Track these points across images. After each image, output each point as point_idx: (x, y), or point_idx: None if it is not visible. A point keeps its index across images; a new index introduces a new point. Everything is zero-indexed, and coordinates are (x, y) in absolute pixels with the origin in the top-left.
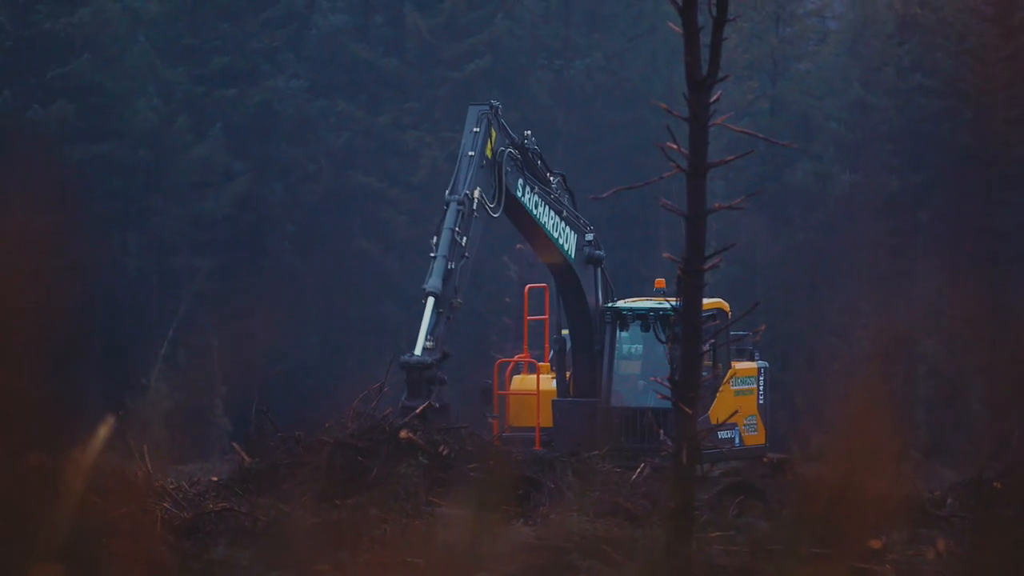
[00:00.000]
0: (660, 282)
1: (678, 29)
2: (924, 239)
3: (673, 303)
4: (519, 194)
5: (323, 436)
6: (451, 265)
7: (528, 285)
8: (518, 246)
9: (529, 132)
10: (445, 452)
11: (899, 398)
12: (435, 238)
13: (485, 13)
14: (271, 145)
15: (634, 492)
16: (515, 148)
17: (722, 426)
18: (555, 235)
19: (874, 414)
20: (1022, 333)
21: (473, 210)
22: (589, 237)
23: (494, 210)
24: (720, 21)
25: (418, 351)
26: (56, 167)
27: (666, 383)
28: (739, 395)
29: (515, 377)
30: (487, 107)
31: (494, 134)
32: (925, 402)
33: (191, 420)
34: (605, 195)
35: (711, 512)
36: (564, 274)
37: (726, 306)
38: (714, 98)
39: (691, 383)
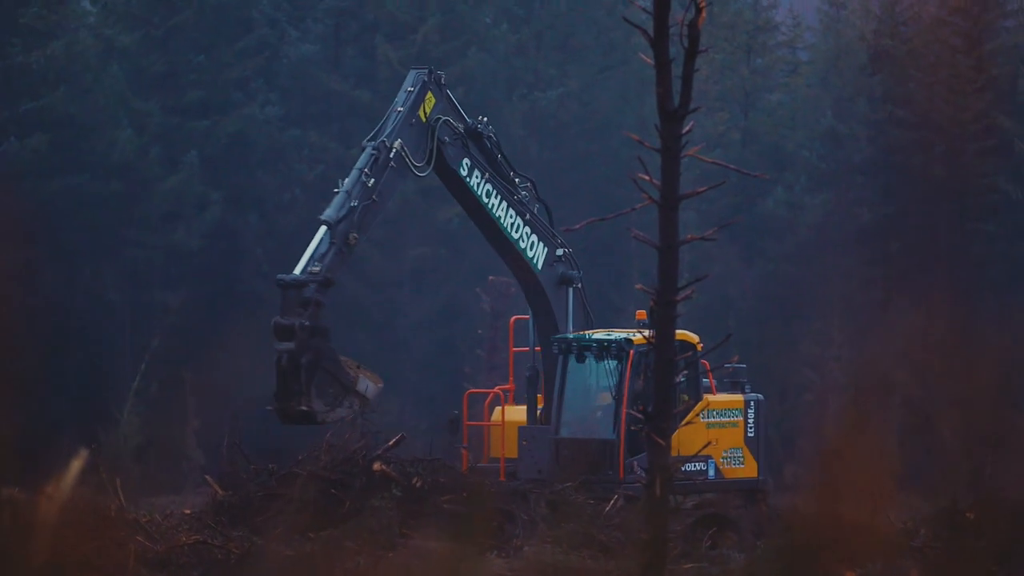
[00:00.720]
0: (641, 314)
1: (650, 61)
2: (896, 269)
3: (624, 335)
4: (463, 173)
5: (296, 468)
6: (354, 203)
7: (514, 317)
8: (490, 278)
9: (484, 118)
10: (419, 484)
11: (872, 429)
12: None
13: (458, 45)
14: (245, 176)
15: (607, 524)
16: (460, 124)
17: (690, 459)
18: (515, 237)
19: (848, 445)
20: (994, 363)
21: (389, 159)
22: (559, 252)
23: (420, 169)
24: (691, 52)
25: (298, 271)
26: (29, 200)
27: (639, 414)
28: (715, 427)
29: (497, 408)
30: (426, 70)
31: (432, 98)
32: (898, 432)
33: (164, 453)
34: (578, 226)
35: (685, 543)
36: (533, 292)
37: (694, 339)
38: (686, 129)
39: (664, 414)
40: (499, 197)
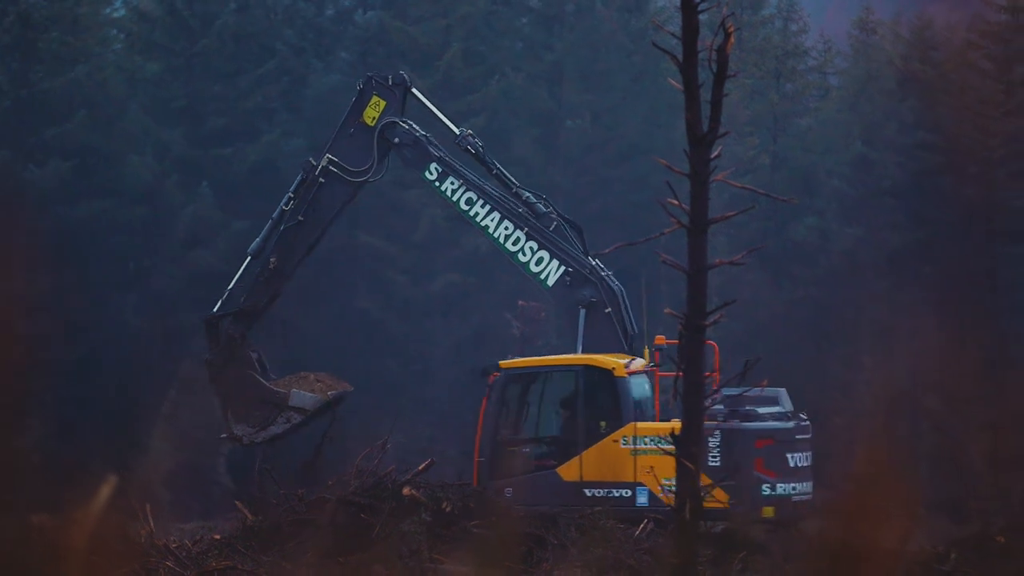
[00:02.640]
0: (660, 339)
1: (679, 85)
2: (927, 294)
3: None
4: (430, 177)
5: (326, 493)
6: (281, 227)
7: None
8: (520, 303)
9: (467, 130)
10: (448, 509)
11: (902, 453)
12: None
13: (482, 71)
14: (270, 203)
15: (637, 548)
16: (416, 129)
17: (599, 484)
18: (512, 250)
19: (877, 469)
20: None
21: (316, 176)
22: (572, 271)
23: (360, 175)
24: (720, 77)
25: (216, 308)
26: (54, 227)
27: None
28: (648, 454)
29: None
30: (373, 74)
31: (379, 101)
32: (928, 457)
33: (193, 479)
34: (607, 251)
35: (714, 568)
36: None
37: (609, 364)
38: (715, 154)
39: (693, 438)
40: (486, 207)
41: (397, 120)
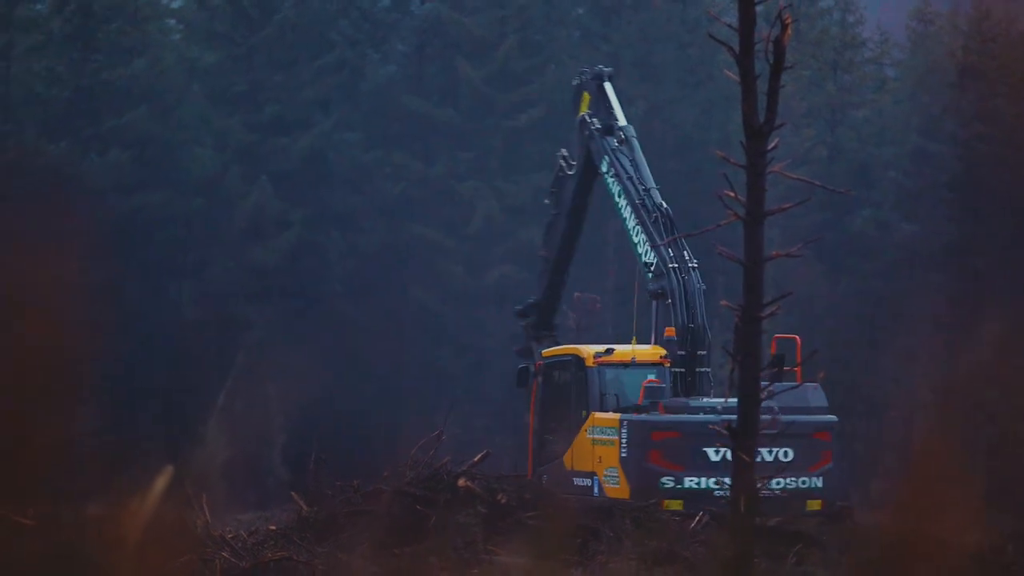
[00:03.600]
0: (670, 331)
1: (735, 77)
2: (984, 286)
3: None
4: (603, 169)
5: (381, 485)
6: (547, 221)
7: None
8: (576, 294)
9: (626, 123)
10: (503, 500)
11: (959, 445)
12: None
13: (538, 61)
14: (326, 193)
15: (692, 540)
16: (603, 122)
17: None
18: (634, 240)
19: (935, 462)
20: None
21: (561, 168)
22: (653, 262)
23: (573, 168)
24: (777, 69)
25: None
26: (112, 217)
27: (724, 431)
28: (600, 444)
29: None
30: (585, 70)
31: (587, 96)
32: (985, 450)
33: (249, 469)
34: (663, 243)
35: (769, 561)
36: None
37: (584, 352)
38: (771, 146)
39: (749, 431)
40: (626, 201)
41: (586, 114)
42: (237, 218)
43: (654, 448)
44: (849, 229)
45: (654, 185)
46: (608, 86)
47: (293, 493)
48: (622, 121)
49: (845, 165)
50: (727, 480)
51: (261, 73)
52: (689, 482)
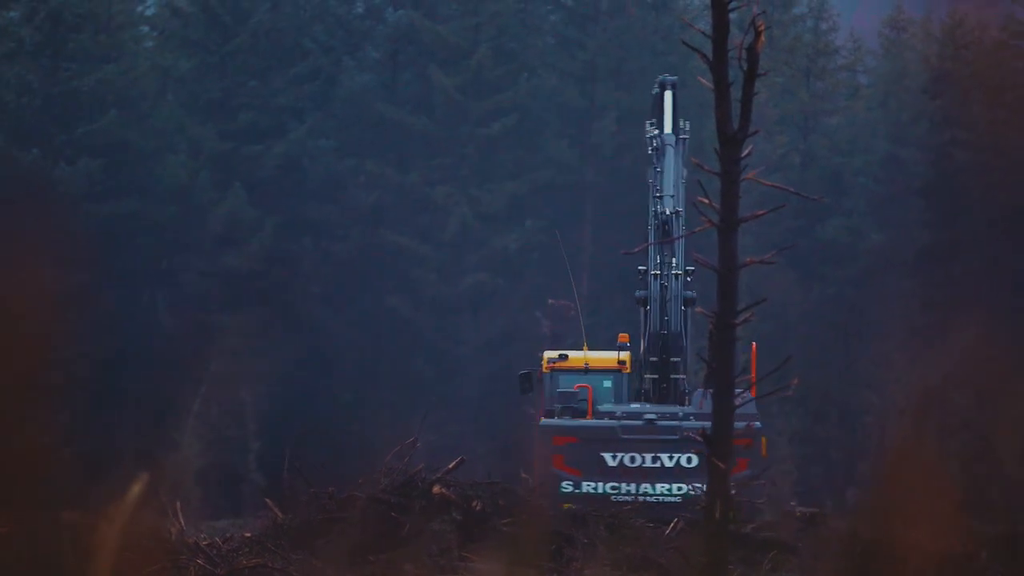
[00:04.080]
0: (623, 336)
1: (708, 84)
2: (957, 292)
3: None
4: (653, 178)
5: (356, 491)
6: None
7: None
8: (550, 301)
9: (669, 131)
10: (478, 507)
11: (932, 451)
12: None
13: (511, 69)
14: (299, 201)
15: (667, 547)
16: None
17: None
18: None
19: (908, 467)
20: None
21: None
22: (640, 268)
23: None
24: (751, 76)
25: None
26: (85, 224)
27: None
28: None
29: None
30: (658, 81)
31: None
32: (958, 455)
33: (224, 476)
34: (636, 249)
35: (744, 567)
36: None
37: None
38: (745, 153)
39: (724, 437)
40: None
41: (646, 125)
42: (210, 225)
43: (556, 452)
44: (822, 236)
45: (670, 192)
46: (667, 95)
47: (267, 500)
48: (666, 129)
49: (818, 172)
50: (623, 485)
51: (235, 80)
52: (587, 487)
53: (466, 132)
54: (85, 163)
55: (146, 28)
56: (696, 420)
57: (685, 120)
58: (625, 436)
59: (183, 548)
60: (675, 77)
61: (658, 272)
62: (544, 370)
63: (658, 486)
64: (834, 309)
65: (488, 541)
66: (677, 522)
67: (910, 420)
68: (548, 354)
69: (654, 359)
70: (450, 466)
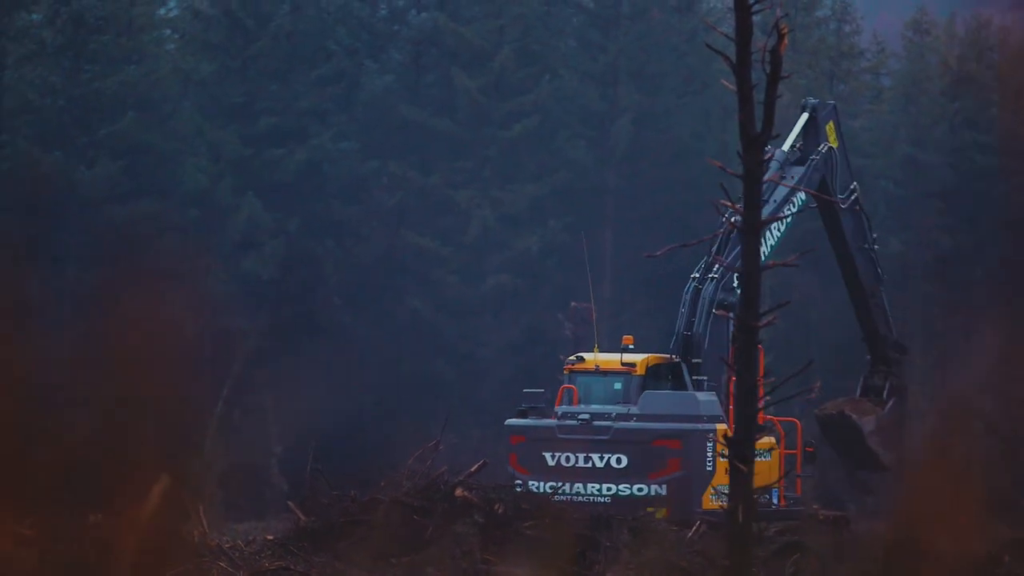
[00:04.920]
0: (628, 339)
1: (732, 87)
2: (978, 296)
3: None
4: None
5: (378, 494)
6: None
7: None
8: (572, 304)
9: (786, 148)
10: (500, 510)
11: (956, 456)
12: None
13: (534, 72)
14: (322, 203)
15: (689, 550)
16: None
17: None
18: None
19: (931, 472)
20: None
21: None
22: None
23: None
24: (774, 78)
25: None
26: (106, 226)
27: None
28: None
29: None
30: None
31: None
32: (981, 459)
33: (246, 479)
34: (660, 253)
35: (767, 570)
36: None
37: None
38: (768, 155)
39: (747, 440)
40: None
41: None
42: (232, 229)
43: (511, 452)
44: None
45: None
46: (804, 115)
47: (290, 503)
48: (784, 147)
49: None
50: (559, 484)
51: (256, 83)
52: (532, 486)
53: (488, 134)
54: (107, 165)
55: (168, 31)
56: (632, 421)
57: (824, 143)
58: (561, 436)
59: (206, 550)
60: (816, 100)
61: (697, 276)
62: (565, 371)
63: (589, 486)
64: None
65: (510, 544)
66: (700, 525)
67: (933, 425)
68: (574, 357)
69: (676, 359)
70: (472, 469)
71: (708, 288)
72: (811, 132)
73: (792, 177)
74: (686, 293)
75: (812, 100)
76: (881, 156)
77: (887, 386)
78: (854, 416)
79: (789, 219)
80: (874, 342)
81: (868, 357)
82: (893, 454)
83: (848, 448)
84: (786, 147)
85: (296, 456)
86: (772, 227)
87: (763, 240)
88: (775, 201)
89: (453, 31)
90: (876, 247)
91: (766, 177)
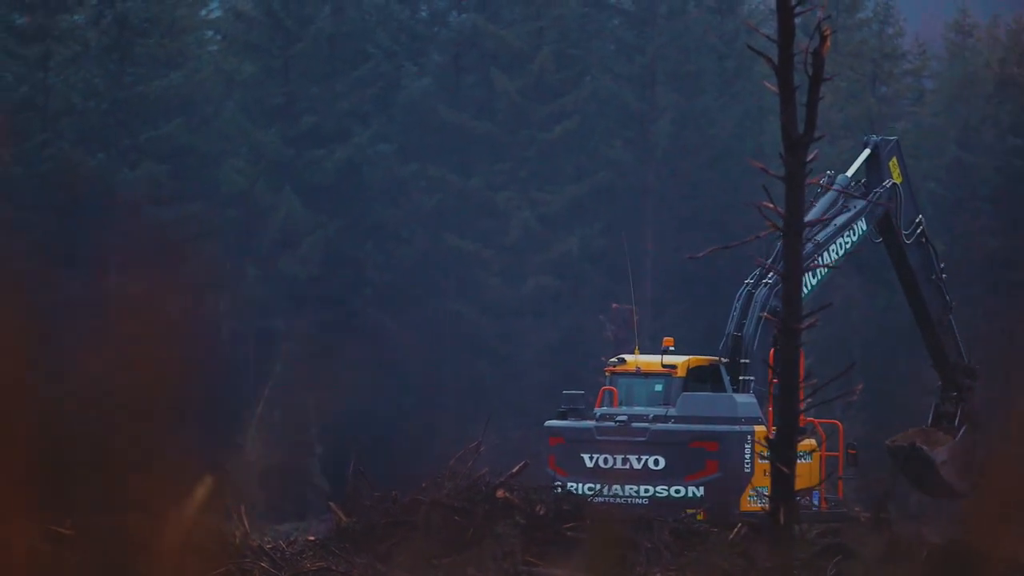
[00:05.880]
0: (668, 340)
1: (774, 88)
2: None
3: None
4: None
5: (420, 496)
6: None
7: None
8: (614, 305)
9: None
10: (542, 512)
11: (1003, 457)
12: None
13: (573, 73)
14: (361, 205)
15: (731, 552)
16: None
17: None
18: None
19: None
20: None
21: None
22: None
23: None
24: (816, 80)
25: None
26: (150, 228)
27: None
28: None
29: None
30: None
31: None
32: None
33: (288, 480)
34: (701, 255)
35: (808, 572)
36: None
37: None
38: (810, 157)
39: (788, 442)
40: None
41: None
42: (272, 230)
43: (550, 453)
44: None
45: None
46: (866, 151)
47: (331, 504)
48: (848, 172)
49: None
50: (598, 487)
51: (297, 85)
52: (571, 487)
53: (528, 136)
54: (150, 167)
55: (210, 32)
56: (670, 423)
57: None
58: (600, 437)
59: (247, 551)
60: (878, 138)
61: (751, 282)
62: (606, 373)
63: (628, 488)
64: (900, 313)
65: (552, 546)
66: (741, 527)
67: (980, 427)
68: (617, 358)
69: (725, 360)
70: (514, 470)
71: (761, 292)
72: (873, 168)
73: (854, 207)
74: (738, 297)
75: (875, 137)
76: (926, 158)
77: (959, 412)
78: (926, 448)
79: (850, 247)
80: (943, 368)
81: (939, 384)
82: (967, 482)
83: (921, 479)
84: (849, 173)
85: (337, 457)
86: (830, 250)
87: (819, 260)
88: (836, 225)
89: (492, 33)
90: (944, 275)
91: (825, 204)
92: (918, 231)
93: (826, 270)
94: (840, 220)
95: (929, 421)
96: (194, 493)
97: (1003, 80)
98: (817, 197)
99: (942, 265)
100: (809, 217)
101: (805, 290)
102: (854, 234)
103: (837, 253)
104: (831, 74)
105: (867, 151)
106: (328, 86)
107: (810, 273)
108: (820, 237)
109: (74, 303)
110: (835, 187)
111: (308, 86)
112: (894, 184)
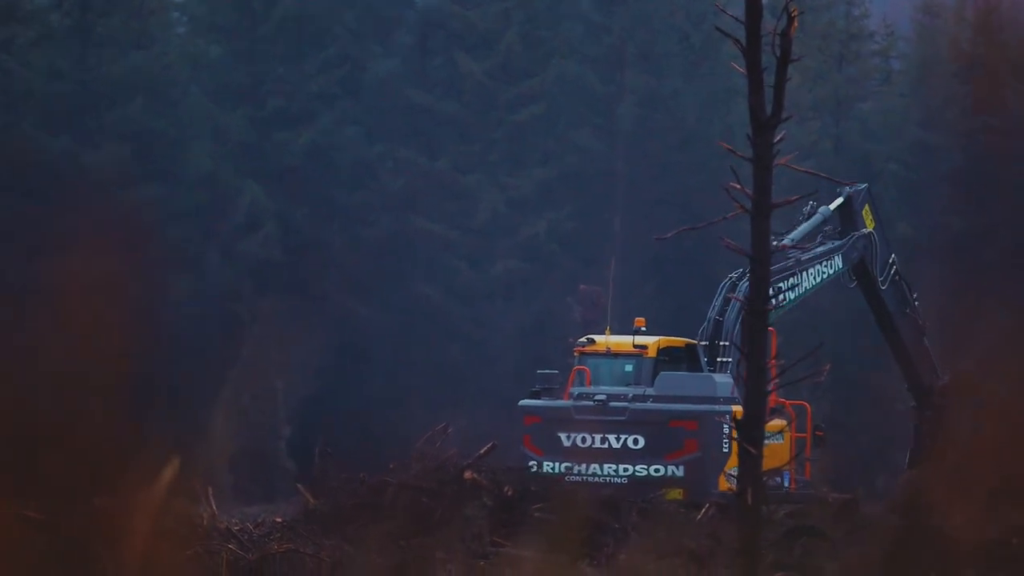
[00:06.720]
0: (640, 321)
1: (741, 70)
2: (988, 279)
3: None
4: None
5: (387, 477)
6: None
7: None
8: (581, 287)
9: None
10: (510, 493)
11: (964, 439)
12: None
13: (540, 54)
14: (328, 188)
15: (699, 532)
16: None
17: None
18: None
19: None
20: None
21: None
22: None
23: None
24: (783, 61)
25: None
26: (115, 211)
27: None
28: None
29: None
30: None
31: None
32: (991, 441)
33: (255, 462)
34: (669, 235)
35: (776, 552)
36: None
37: None
38: (778, 138)
39: (756, 422)
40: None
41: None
42: (237, 212)
43: (525, 432)
44: None
45: (797, 234)
46: (839, 199)
47: (299, 485)
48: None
49: (850, 157)
50: (575, 466)
51: (263, 67)
52: (547, 466)
53: (495, 118)
54: (114, 149)
55: (176, 14)
56: (649, 402)
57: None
58: (578, 416)
59: (215, 533)
60: (851, 188)
61: (735, 275)
62: (575, 353)
63: (606, 467)
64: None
65: (520, 527)
66: (709, 507)
67: (942, 408)
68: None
69: (704, 343)
70: (482, 452)
71: (745, 284)
72: (847, 218)
73: (832, 243)
74: (722, 287)
75: (848, 188)
76: (890, 140)
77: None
78: None
79: (825, 277)
80: (919, 391)
81: (912, 405)
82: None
83: None
84: (832, 207)
85: (305, 439)
86: (809, 272)
87: (801, 280)
88: (815, 253)
89: (459, 14)
90: (917, 303)
91: (807, 230)
92: (891, 271)
93: (809, 285)
94: (820, 250)
95: (910, 448)
96: (161, 476)
97: (971, 60)
98: (799, 222)
99: (915, 295)
100: (793, 236)
101: (792, 295)
102: (830, 267)
103: (814, 280)
104: (799, 55)
105: (839, 200)
106: (294, 68)
107: (795, 283)
108: (803, 256)
109: (38, 286)
110: (818, 214)
111: (274, 68)
112: (870, 233)
